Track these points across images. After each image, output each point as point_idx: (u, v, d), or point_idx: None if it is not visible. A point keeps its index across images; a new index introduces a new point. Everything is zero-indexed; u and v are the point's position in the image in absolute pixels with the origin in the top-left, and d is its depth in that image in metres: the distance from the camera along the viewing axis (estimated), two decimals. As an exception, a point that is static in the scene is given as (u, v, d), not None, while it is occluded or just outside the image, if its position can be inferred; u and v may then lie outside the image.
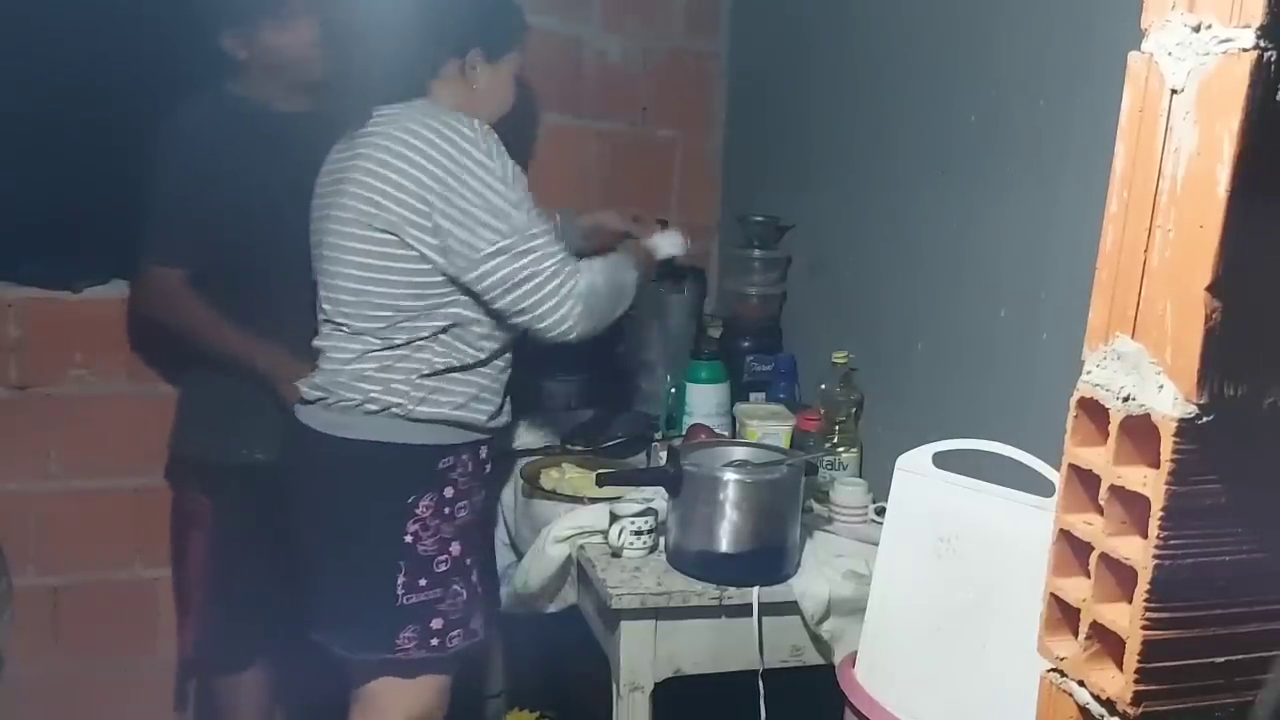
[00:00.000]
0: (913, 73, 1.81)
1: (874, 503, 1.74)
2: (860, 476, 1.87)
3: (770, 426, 1.95)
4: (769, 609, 1.53)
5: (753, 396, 2.19)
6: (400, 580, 1.66)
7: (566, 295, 1.65)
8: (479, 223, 1.61)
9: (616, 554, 1.61)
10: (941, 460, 1.35)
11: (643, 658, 1.53)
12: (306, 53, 1.95)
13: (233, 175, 1.89)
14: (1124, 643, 0.67)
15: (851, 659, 1.42)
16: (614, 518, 1.62)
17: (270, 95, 1.98)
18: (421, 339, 1.68)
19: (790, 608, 1.55)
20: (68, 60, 2.06)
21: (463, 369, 1.72)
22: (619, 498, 1.73)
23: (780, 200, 2.33)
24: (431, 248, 1.64)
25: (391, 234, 1.64)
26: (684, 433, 2.07)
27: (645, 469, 1.93)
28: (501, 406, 1.81)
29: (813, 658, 1.58)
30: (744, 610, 1.52)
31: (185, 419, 2.10)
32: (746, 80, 2.55)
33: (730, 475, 1.55)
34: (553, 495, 1.87)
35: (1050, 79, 1.43)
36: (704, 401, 2.12)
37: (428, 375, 1.69)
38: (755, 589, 1.52)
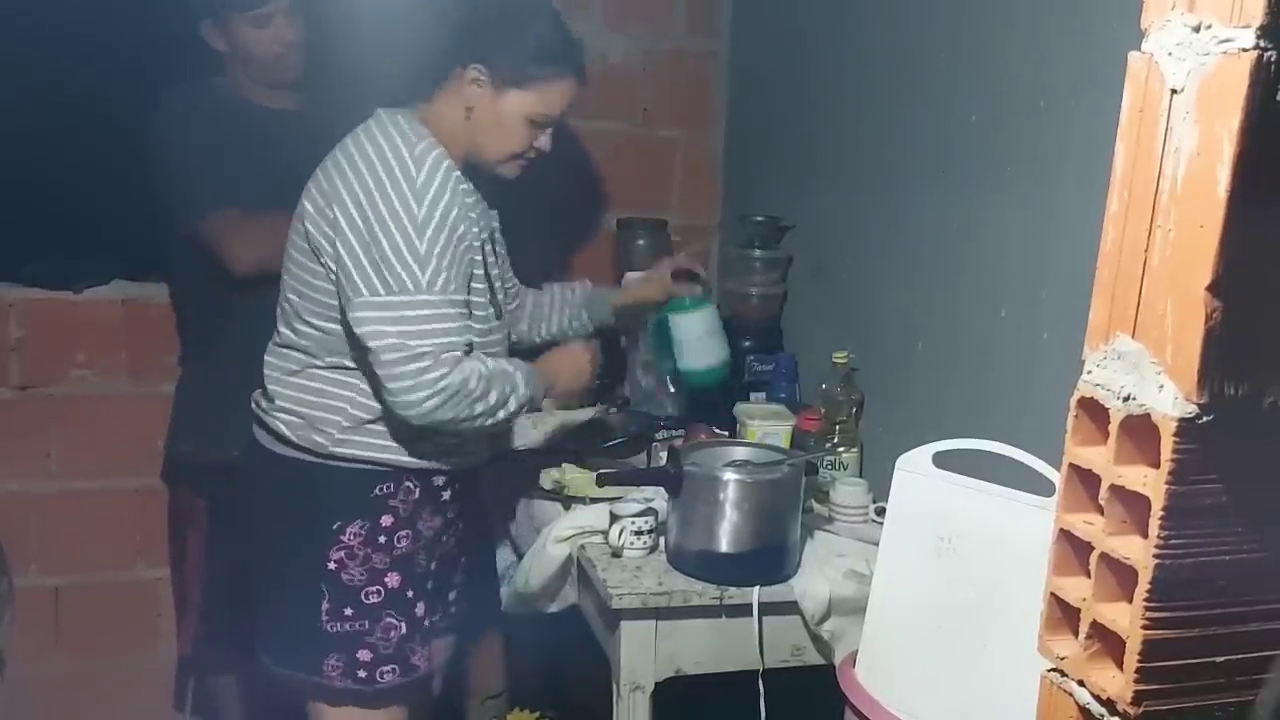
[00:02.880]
0: (913, 73, 1.81)
1: (874, 503, 1.75)
2: (860, 476, 1.87)
3: (770, 426, 1.95)
4: (769, 609, 1.54)
5: (753, 396, 2.19)
6: (324, 606, 1.56)
7: (425, 383, 1.45)
8: (371, 265, 1.46)
9: (617, 554, 1.61)
10: (942, 460, 1.35)
11: (643, 657, 1.53)
12: (283, 51, 1.94)
13: (214, 160, 1.87)
14: (1124, 642, 0.67)
15: (852, 659, 1.42)
16: (614, 518, 1.62)
17: (254, 91, 1.98)
18: (348, 366, 1.56)
19: (791, 607, 1.55)
20: (68, 61, 2.07)
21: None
22: (619, 498, 1.73)
23: (781, 200, 2.33)
24: (334, 274, 1.51)
25: (312, 249, 1.54)
26: (679, 372, 2.14)
27: (645, 469, 1.93)
28: (460, 446, 1.64)
29: (813, 657, 1.59)
30: (744, 610, 1.52)
31: (178, 420, 2.11)
32: (747, 81, 2.55)
33: (730, 475, 1.55)
34: (553, 495, 1.87)
35: (1050, 79, 1.43)
36: (691, 330, 2.11)
37: (355, 408, 1.56)
38: (756, 589, 1.52)
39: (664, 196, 2.61)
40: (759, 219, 2.29)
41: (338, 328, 1.54)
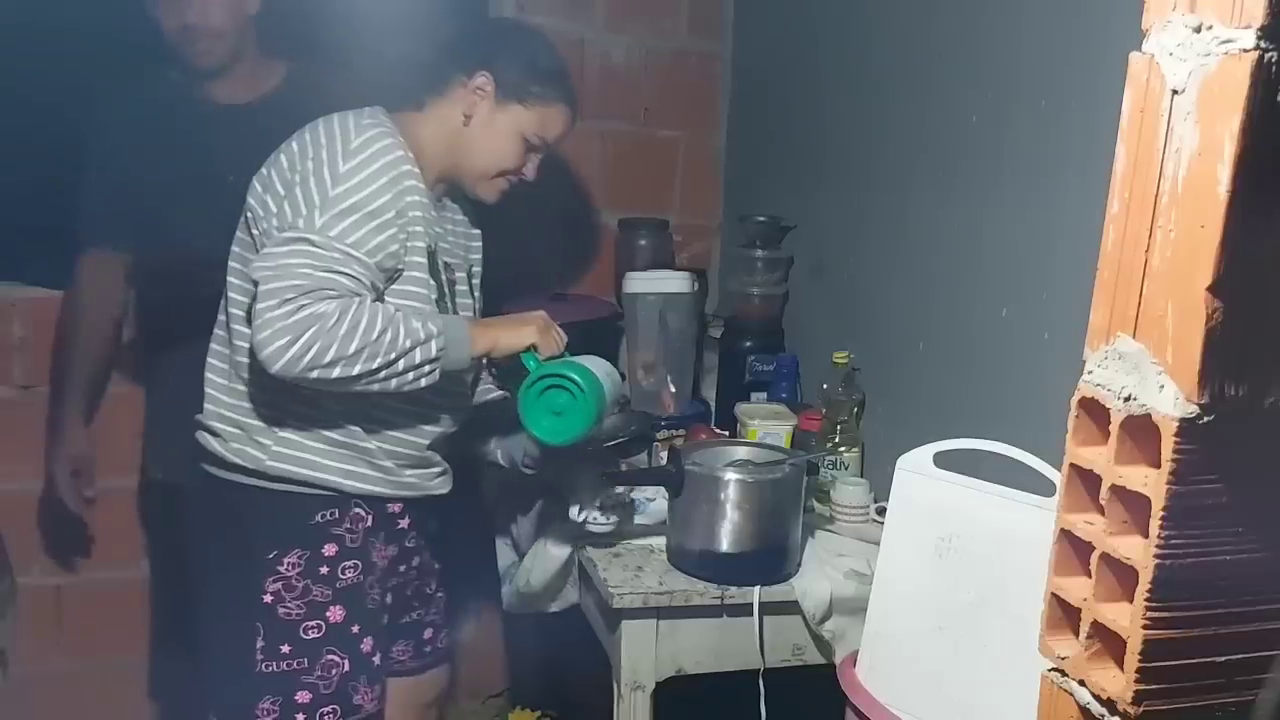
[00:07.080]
0: (914, 73, 1.81)
1: (875, 502, 1.75)
2: (861, 476, 1.87)
3: (771, 426, 1.95)
4: (770, 608, 1.54)
5: (754, 396, 2.19)
6: (258, 644, 1.46)
7: (280, 317, 1.30)
8: (279, 210, 1.41)
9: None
10: (942, 460, 1.35)
11: (644, 657, 1.53)
12: (194, 25, 1.82)
13: (163, 158, 1.85)
14: (1125, 642, 0.67)
15: (852, 658, 1.42)
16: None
17: (213, 88, 1.89)
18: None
19: (791, 607, 1.55)
20: (67, 60, 2.07)
21: (324, 414, 1.47)
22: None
23: (782, 200, 2.33)
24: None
25: (249, 223, 1.47)
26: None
27: (646, 469, 1.93)
28: (416, 477, 1.57)
29: (814, 657, 1.59)
30: (745, 610, 1.53)
31: (147, 435, 2.11)
32: (748, 81, 2.55)
33: (731, 475, 1.55)
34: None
35: (1051, 79, 1.43)
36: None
37: (294, 416, 1.47)
38: (756, 588, 1.52)
39: (666, 196, 2.61)
40: (760, 219, 2.29)
41: None
